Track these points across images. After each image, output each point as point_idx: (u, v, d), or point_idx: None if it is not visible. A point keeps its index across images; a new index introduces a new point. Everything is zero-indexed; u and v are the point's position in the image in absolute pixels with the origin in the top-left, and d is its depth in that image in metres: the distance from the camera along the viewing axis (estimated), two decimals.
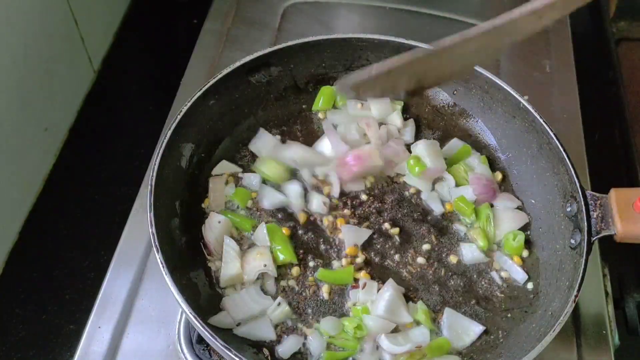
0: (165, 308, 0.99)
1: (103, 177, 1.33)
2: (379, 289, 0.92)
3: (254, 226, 0.97)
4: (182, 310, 0.80)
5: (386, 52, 1.09)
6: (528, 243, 1.00)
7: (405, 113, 1.12)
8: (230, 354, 0.77)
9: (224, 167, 1.04)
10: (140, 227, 1.06)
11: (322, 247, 0.97)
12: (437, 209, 1.03)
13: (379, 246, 0.98)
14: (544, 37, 1.40)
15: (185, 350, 0.95)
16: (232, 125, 1.07)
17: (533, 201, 1.03)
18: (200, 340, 0.96)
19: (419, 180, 1.04)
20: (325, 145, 1.07)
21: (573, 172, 0.93)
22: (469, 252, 0.98)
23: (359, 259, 0.96)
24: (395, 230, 0.99)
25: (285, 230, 0.97)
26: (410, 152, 1.07)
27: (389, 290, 0.91)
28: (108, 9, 1.53)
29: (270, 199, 1.00)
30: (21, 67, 1.18)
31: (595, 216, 0.89)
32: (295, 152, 1.04)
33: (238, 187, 1.02)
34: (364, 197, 1.03)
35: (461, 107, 1.12)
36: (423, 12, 1.43)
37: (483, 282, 0.97)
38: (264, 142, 1.07)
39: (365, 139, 1.07)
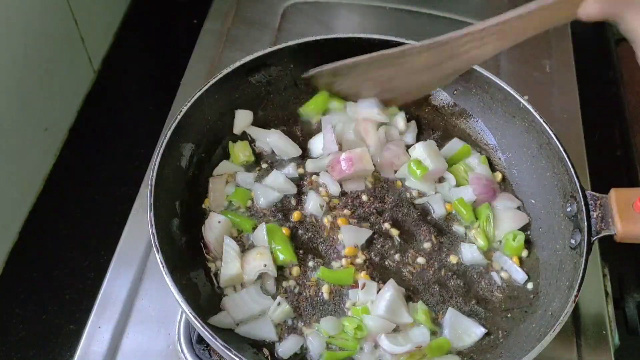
0: (165, 308, 0.99)
1: (103, 177, 1.33)
2: (379, 289, 0.92)
3: (254, 226, 0.97)
4: (182, 310, 0.80)
5: None
6: (528, 243, 1.00)
7: (406, 114, 1.12)
8: (230, 354, 0.77)
9: (224, 167, 1.04)
10: (140, 227, 1.07)
11: (322, 247, 0.97)
12: (438, 210, 1.03)
13: (379, 246, 0.98)
14: (544, 37, 1.40)
15: (185, 350, 0.95)
16: (232, 125, 1.07)
17: (533, 201, 1.03)
18: (200, 340, 0.96)
19: (421, 183, 1.04)
20: (318, 142, 1.07)
21: (573, 172, 0.93)
22: (469, 252, 0.98)
23: (359, 259, 0.96)
24: (396, 230, 0.99)
25: (285, 230, 0.97)
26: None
27: (390, 291, 0.91)
28: (108, 9, 1.53)
29: (266, 197, 1.00)
30: (21, 67, 1.18)
31: (595, 216, 0.89)
32: (272, 137, 1.05)
33: (238, 187, 1.02)
34: (364, 197, 1.03)
35: (461, 107, 1.12)
36: (423, 12, 1.43)
37: (483, 282, 0.97)
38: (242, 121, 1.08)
39: (363, 141, 1.07)
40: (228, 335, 0.87)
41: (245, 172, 1.04)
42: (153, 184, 0.88)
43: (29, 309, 1.15)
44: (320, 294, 0.93)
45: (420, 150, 1.05)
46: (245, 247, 0.96)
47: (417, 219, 1.01)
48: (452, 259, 0.98)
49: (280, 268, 0.94)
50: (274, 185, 1.01)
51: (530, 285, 0.96)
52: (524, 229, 1.01)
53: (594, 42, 1.56)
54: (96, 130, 1.40)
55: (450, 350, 0.89)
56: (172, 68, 1.33)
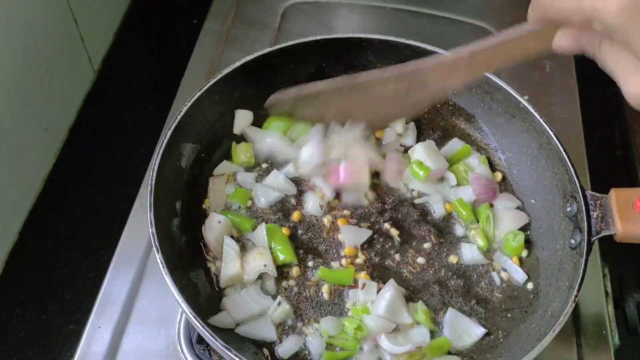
0: (165, 308, 0.99)
1: (103, 177, 1.33)
2: (379, 289, 0.92)
3: (253, 226, 0.97)
4: (182, 310, 0.80)
5: (386, 52, 1.09)
6: (528, 243, 1.00)
7: None
8: (230, 354, 0.77)
9: (225, 168, 1.04)
10: (140, 227, 1.06)
11: (322, 247, 0.97)
12: (438, 210, 1.03)
13: (379, 246, 0.98)
14: None
15: (185, 350, 0.95)
16: (232, 125, 1.07)
17: (533, 201, 1.03)
18: (200, 340, 0.96)
19: (422, 183, 1.04)
20: (308, 148, 1.02)
21: (573, 172, 0.93)
22: (469, 253, 0.98)
23: (359, 259, 0.96)
24: (396, 230, 0.99)
25: (285, 230, 0.97)
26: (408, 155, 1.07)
27: (390, 290, 0.91)
28: (108, 9, 1.53)
29: (267, 197, 1.00)
30: (21, 67, 1.18)
31: (595, 216, 0.89)
32: (270, 139, 1.04)
33: (238, 187, 1.02)
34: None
35: (461, 107, 1.12)
36: (423, 12, 1.43)
37: (483, 282, 0.97)
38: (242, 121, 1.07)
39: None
40: (228, 335, 0.87)
41: (245, 172, 1.04)
42: (153, 184, 0.88)
43: (29, 309, 1.15)
44: (320, 294, 0.93)
45: (420, 151, 1.05)
46: (245, 247, 0.96)
47: (417, 219, 1.01)
48: (452, 259, 0.98)
49: (280, 268, 0.94)
50: (274, 185, 1.01)
51: (530, 285, 0.96)
52: (524, 229, 1.01)
53: None
54: (96, 130, 1.40)
55: (450, 350, 0.89)
56: (172, 68, 1.33)
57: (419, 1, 1.44)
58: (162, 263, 0.82)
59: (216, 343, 0.78)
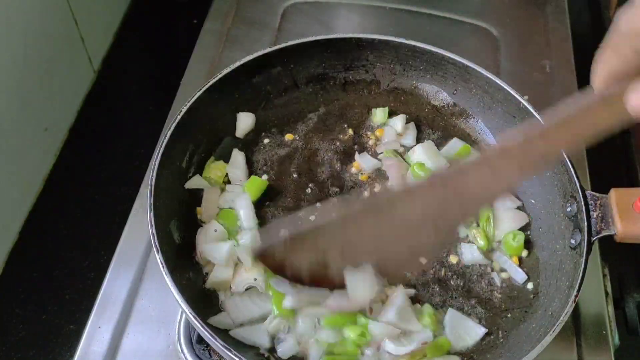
0: (165, 308, 0.99)
1: (103, 177, 1.33)
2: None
3: None
4: (182, 310, 0.80)
5: (386, 52, 1.09)
6: (528, 243, 1.00)
7: (406, 115, 1.12)
8: (230, 354, 0.77)
9: (195, 182, 1.00)
10: (140, 227, 1.06)
11: None
12: None
13: None
14: (544, 37, 1.40)
15: (185, 350, 0.95)
16: (232, 125, 1.07)
17: (533, 201, 1.03)
18: (200, 340, 0.96)
19: None
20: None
21: (573, 172, 0.93)
22: (469, 252, 0.98)
23: None
24: None
25: None
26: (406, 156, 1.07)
27: (400, 296, 0.89)
28: (108, 9, 1.53)
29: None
30: (21, 67, 1.18)
31: (595, 216, 0.89)
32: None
33: (222, 209, 0.98)
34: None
35: (461, 107, 1.12)
36: (423, 12, 1.43)
37: (483, 282, 0.97)
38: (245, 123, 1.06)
39: None
40: (228, 335, 0.86)
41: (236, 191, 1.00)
42: (153, 184, 0.88)
43: (29, 309, 1.15)
44: None
45: (420, 152, 1.05)
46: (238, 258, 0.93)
47: None
48: (452, 259, 0.98)
49: None
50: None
51: (530, 285, 0.96)
52: (524, 229, 1.01)
53: (594, 42, 1.56)
54: (96, 130, 1.40)
55: (450, 350, 0.89)
56: (172, 68, 1.33)
57: (419, 1, 1.44)
58: (162, 263, 0.82)
59: (216, 343, 0.78)
